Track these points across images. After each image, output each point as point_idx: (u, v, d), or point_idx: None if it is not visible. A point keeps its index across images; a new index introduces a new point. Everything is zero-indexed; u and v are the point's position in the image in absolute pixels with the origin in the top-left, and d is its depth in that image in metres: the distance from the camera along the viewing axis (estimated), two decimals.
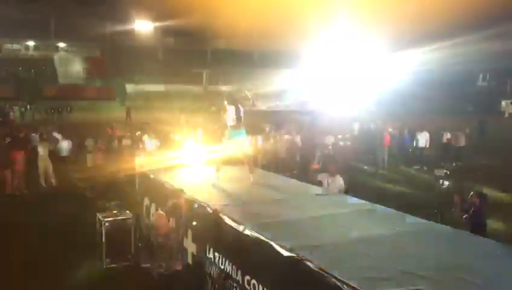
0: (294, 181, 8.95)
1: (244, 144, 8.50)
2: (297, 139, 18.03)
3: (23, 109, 39.23)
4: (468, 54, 40.25)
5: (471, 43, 38.40)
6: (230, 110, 8.31)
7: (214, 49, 61.57)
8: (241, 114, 8.33)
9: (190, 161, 9.77)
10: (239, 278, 5.76)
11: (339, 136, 19.40)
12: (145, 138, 15.93)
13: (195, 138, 12.15)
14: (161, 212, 6.51)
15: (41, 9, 52.70)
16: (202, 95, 53.46)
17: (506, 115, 48.41)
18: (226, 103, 8.38)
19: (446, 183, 9.09)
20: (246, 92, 8.59)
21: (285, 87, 49.58)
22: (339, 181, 8.84)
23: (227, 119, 8.36)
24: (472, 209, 7.75)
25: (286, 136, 17.84)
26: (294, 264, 4.69)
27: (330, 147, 17.17)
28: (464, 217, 7.85)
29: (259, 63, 58.78)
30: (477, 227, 7.16)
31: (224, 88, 47.37)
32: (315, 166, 10.62)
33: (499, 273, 4.39)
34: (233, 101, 8.39)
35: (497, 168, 18.12)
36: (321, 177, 8.99)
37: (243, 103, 8.46)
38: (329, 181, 8.72)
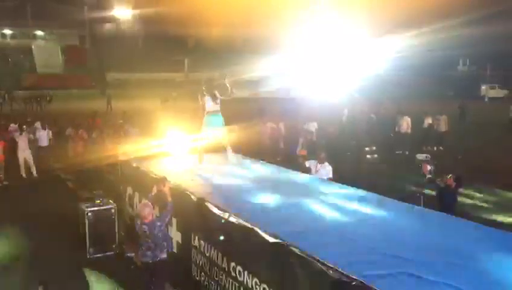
0: (278, 168, 8.93)
1: (222, 131, 8.57)
2: (281, 126, 17.98)
3: (0, 99, 38.44)
4: (448, 39, 40.59)
5: (450, 28, 38.67)
6: (208, 97, 8.38)
7: (195, 36, 60.93)
8: (218, 101, 8.40)
9: (173, 149, 9.70)
10: (225, 265, 5.75)
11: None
12: (127, 126, 15.75)
13: (177, 126, 12.05)
14: (145, 201, 6.42)
15: None
16: (183, 83, 53.05)
17: (486, 99, 49.07)
18: (203, 90, 8.40)
19: (429, 167, 9.21)
20: (224, 81, 8.52)
21: (268, 74, 49.36)
22: (328, 168, 8.89)
23: (204, 106, 8.41)
24: (445, 189, 8.03)
25: (269, 123, 17.78)
26: (280, 250, 4.69)
27: (314, 133, 17.12)
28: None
29: (242, 50, 58.38)
30: (449, 208, 7.30)
31: (205, 75, 47.08)
32: (303, 152, 10.62)
33: (486, 256, 4.45)
34: (211, 89, 8.39)
35: (478, 151, 18.32)
36: (309, 163, 9.04)
37: (221, 92, 8.45)
38: (318, 168, 8.76)
